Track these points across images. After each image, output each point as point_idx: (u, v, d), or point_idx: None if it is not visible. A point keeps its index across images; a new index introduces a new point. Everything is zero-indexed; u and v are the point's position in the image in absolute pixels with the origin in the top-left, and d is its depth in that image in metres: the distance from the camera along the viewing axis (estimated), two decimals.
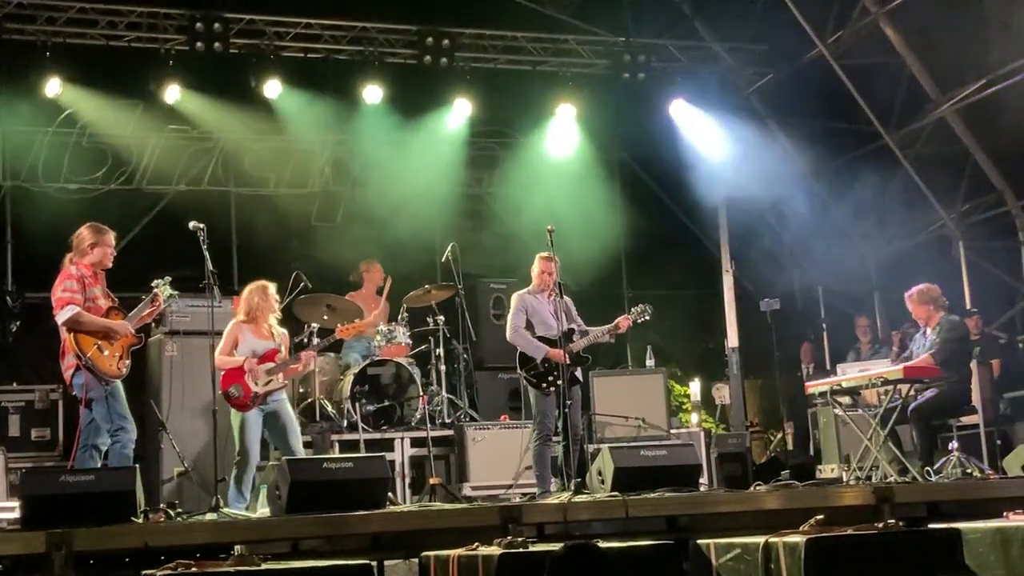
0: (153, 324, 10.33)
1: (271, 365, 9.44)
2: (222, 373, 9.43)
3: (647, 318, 10.27)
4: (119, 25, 13.03)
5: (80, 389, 8.46)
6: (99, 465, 8.41)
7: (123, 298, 8.91)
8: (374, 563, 6.93)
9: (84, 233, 8.74)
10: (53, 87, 12.63)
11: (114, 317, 8.67)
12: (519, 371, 10.09)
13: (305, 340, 10.35)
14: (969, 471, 9.98)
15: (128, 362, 8.70)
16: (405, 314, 12.25)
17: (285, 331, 9.90)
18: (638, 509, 7.77)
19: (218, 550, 6.83)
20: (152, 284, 8.91)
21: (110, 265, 8.81)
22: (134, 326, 8.75)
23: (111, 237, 8.81)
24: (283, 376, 9.49)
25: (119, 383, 8.59)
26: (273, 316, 9.70)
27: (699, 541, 6.73)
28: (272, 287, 9.75)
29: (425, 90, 14.21)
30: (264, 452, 9.63)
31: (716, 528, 7.66)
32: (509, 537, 6.45)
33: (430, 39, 13.93)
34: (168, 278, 8.94)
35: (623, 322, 10.13)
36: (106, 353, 8.51)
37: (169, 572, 5.97)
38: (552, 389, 9.84)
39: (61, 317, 8.45)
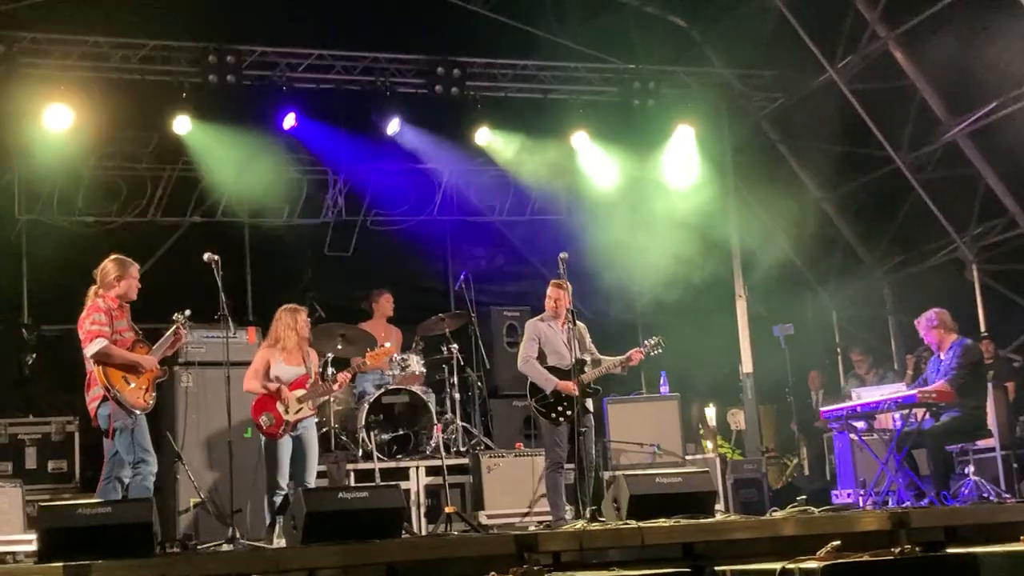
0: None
1: (301, 392, 9.52)
2: (253, 400, 9.53)
3: (660, 351, 10.24)
4: (132, 59, 13.12)
5: (105, 420, 8.51)
6: (120, 497, 8.43)
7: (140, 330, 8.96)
8: None
9: (108, 266, 8.80)
10: (67, 121, 12.70)
11: (139, 350, 8.74)
12: (529, 400, 10.09)
13: (321, 371, 10.37)
14: (986, 495, 9.95)
15: (154, 395, 8.76)
16: (420, 343, 12.28)
17: (314, 352, 9.98)
18: (654, 536, 7.75)
19: None
20: (173, 317, 8.96)
21: (135, 298, 8.88)
22: (158, 359, 8.81)
23: (136, 270, 8.89)
24: (313, 404, 9.58)
25: (143, 416, 8.64)
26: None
27: (716, 568, 6.72)
28: (303, 313, 9.83)
29: (437, 119, 14.28)
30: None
31: (732, 555, 7.64)
32: (525, 566, 6.44)
33: (441, 69, 14.01)
34: (188, 312, 8.99)
35: (636, 355, 10.10)
36: (132, 386, 8.57)
37: None
38: (562, 420, 9.83)
39: (90, 350, 8.51)
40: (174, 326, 8.95)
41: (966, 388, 10.05)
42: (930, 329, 10.49)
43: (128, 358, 8.61)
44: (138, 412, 8.56)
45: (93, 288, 8.80)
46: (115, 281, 8.74)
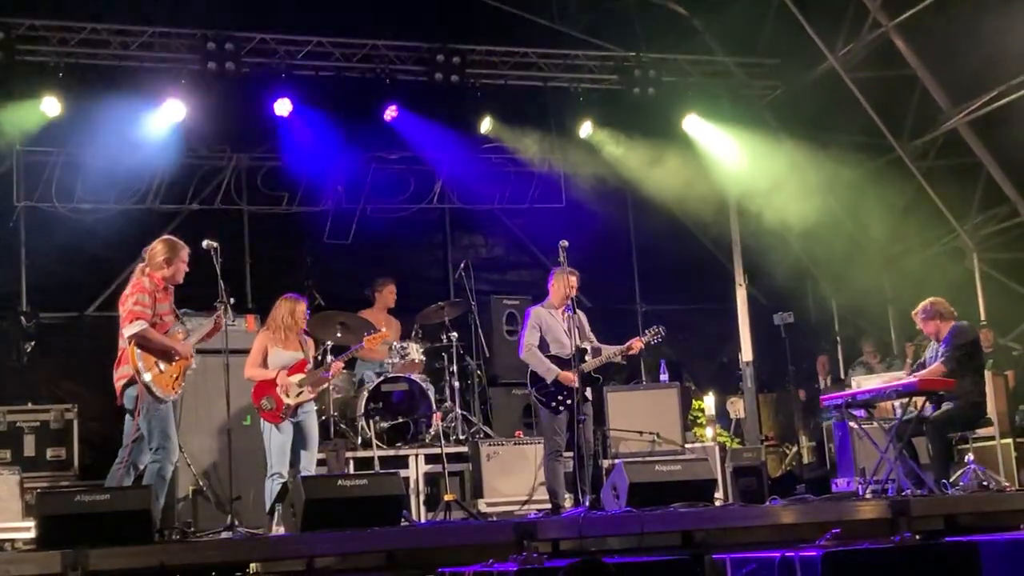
0: None
1: (301, 376, 9.52)
2: (253, 385, 9.51)
3: (660, 340, 10.24)
4: (131, 45, 13.09)
5: (131, 401, 8.40)
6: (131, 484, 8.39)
7: None
8: None
9: (158, 247, 8.68)
10: (65, 108, 12.67)
11: (177, 335, 8.68)
12: (530, 389, 10.08)
13: (319, 358, 10.37)
14: (986, 483, 9.94)
15: (183, 384, 8.68)
16: (420, 331, 12.28)
17: (311, 340, 9.97)
18: (653, 524, 7.76)
19: (234, 569, 6.84)
20: (215, 304, 8.90)
21: (181, 281, 8.76)
22: (194, 345, 8.76)
23: (186, 253, 8.74)
24: (312, 388, 9.56)
25: (171, 403, 8.58)
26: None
27: (715, 556, 6.72)
28: (303, 303, 9.82)
29: (436, 107, 14.24)
30: None
31: (732, 543, 7.65)
32: (524, 553, 6.45)
33: (441, 56, 13.96)
34: (232, 300, 8.94)
35: (636, 344, 10.08)
36: (164, 371, 8.49)
37: None
38: (562, 408, 9.81)
39: (129, 331, 8.37)
40: (215, 314, 8.88)
41: (961, 371, 9.99)
42: (927, 320, 10.46)
43: (165, 344, 8.50)
44: (164, 398, 8.51)
45: (140, 266, 8.69)
46: (164, 263, 8.61)
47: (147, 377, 8.35)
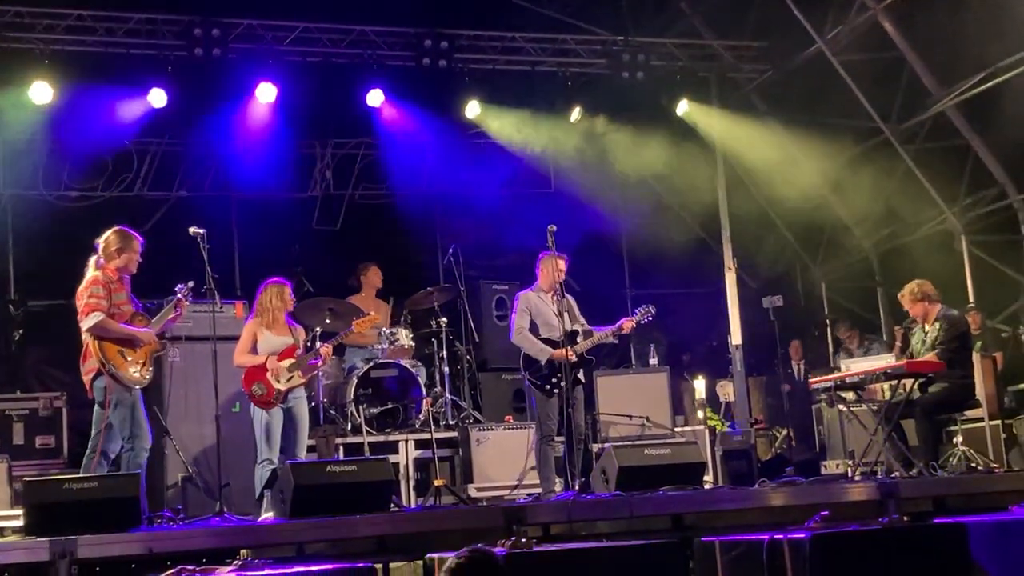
0: None
1: (291, 361, 9.50)
2: (243, 372, 9.50)
3: (650, 319, 10.25)
4: (118, 32, 13.02)
5: (100, 393, 8.44)
6: (106, 472, 8.39)
7: None
8: (379, 566, 6.93)
9: (111, 237, 8.73)
10: (52, 95, 12.61)
11: (138, 323, 8.67)
12: (523, 373, 10.07)
13: (308, 344, 10.35)
14: (974, 465, 9.97)
15: (151, 369, 8.71)
16: (409, 317, 12.26)
17: (300, 327, 9.96)
18: (643, 508, 7.77)
19: (223, 555, 6.83)
20: (176, 288, 8.91)
21: (135, 271, 8.81)
22: (157, 332, 8.76)
23: (138, 244, 8.80)
24: (303, 373, 9.55)
25: (139, 391, 8.60)
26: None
27: (704, 539, 6.72)
28: (288, 287, 9.81)
29: (425, 92, 14.20)
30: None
31: (721, 525, 7.66)
32: (514, 538, 6.44)
33: (428, 41, 13.91)
34: (191, 283, 8.95)
35: (626, 323, 10.09)
36: (129, 360, 8.52)
37: None
38: (556, 391, 9.81)
39: (86, 324, 8.44)
40: (175, 298, 8.90)
41: (955, 362, 10.03)
42: (914, 302, 10.47)
43: (125, 332, 8.54)
44: (135, 387, 8.51)
45: (94, 258, 8.72)
46: (116, 253, 8.67)
47: (112, 367, 8.36)
